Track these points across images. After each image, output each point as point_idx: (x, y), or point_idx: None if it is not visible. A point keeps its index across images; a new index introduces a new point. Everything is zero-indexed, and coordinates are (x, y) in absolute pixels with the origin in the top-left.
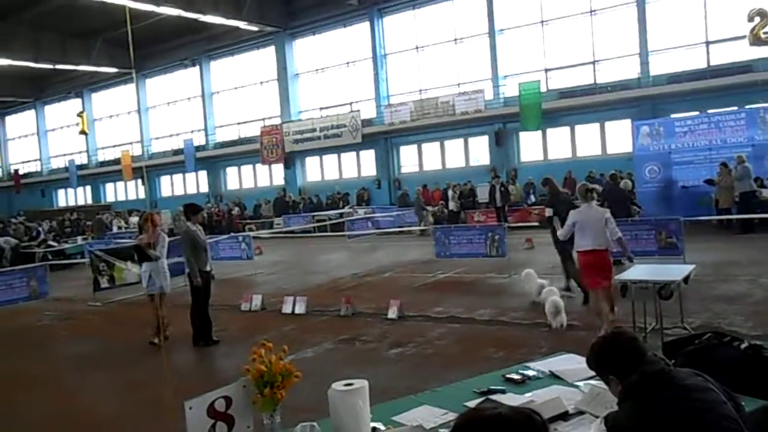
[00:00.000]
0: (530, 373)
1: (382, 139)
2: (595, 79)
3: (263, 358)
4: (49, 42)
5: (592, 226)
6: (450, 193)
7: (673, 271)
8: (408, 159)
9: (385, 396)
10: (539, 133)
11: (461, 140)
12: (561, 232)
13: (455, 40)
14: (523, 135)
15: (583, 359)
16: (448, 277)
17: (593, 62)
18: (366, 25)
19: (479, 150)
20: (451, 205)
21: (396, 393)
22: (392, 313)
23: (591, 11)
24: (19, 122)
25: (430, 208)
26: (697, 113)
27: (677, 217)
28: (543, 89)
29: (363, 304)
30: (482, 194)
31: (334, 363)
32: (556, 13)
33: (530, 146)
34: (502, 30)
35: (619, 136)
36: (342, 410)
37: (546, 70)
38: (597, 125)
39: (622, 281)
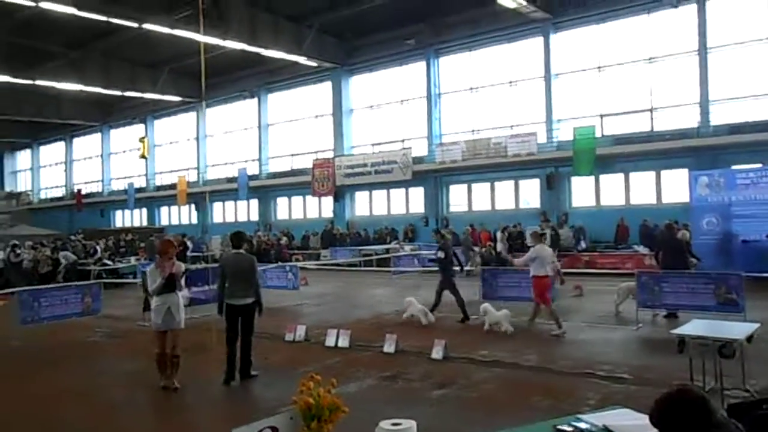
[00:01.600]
0: (583, 426)
1: (432, 177)
2: (652, 127)
3: (311, 390)
4: (118, 70)
5: (546, 260)
6: (499, 234)
7: (735, 329)
8: (457, 198)
9: None
10: (592, 178)
11: (512, 182)
12: (520, 261)
13: (510, 82)
14: (575, 180)
15: (639, 416)
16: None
17: (651, 109)
18: (422, 64)
19: (530, 193)
20: (499, 247)
21: None
22: (436, 353)
23: (650, 59)
24: (86, 144)
25: (477, 249)
26: (759, 165)
27: (738, 273)
28: (598, 134)
29: (406, 341)
30: None
31: (376, 400)
32: (613, 59)
33: (582, 191)
34: (557, 74)
35: (675, 186)
36: None
37: (601, 116)
38: (653, 173)
39: (679, 336)
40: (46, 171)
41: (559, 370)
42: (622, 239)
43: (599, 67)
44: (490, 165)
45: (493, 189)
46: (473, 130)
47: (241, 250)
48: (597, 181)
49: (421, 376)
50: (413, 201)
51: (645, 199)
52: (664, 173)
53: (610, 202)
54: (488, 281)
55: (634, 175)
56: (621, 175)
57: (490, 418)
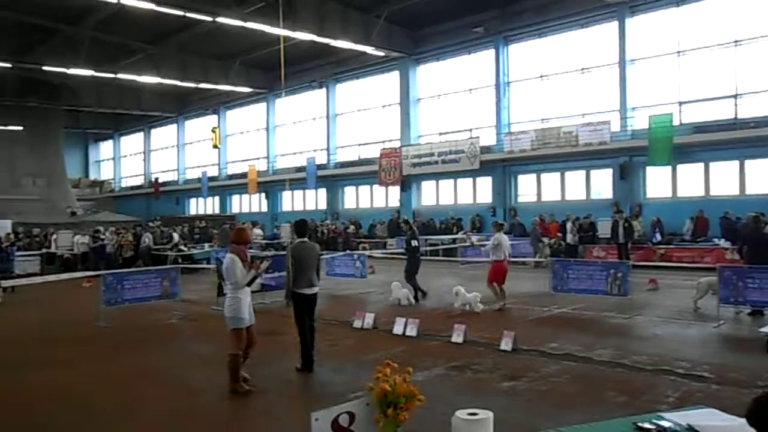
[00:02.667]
0: (665, 424)
1: (500, 166)
2: (736, 114)
3: (388, 377)
4: (193, 63)
5: (507, 246)
6: (569, 225)
7: None
8: (526, 188)
9: (499, 430)
10: (668, 168)
11: (583, 172)
12: (486, 248)
13: (582, 69)
14: (650, 170)
15: (728, 417)
16: (564, 312)
17: (735, 96)
18: (491, 52)
19: (602, 183)
20: (569, 238)
21: (510, 428)
22: (505, 345)
23: (735, 42)
24: (162, 135)
25: (546, 240)
26: None
27: None
28: (675, 122)
29: (475, 332)
30: (603, 229)
31: (444, 389)
32: (694, 43)
33: (658, 182)
34: (633, 60)
35: (760, 176)
36: None
37: (680, 103)
38: (735, 163)
39: None
40: (127, 160)
41: (633, 366)
42: (700, 232)
43: (678, 52)
44: (560, 154)
45: (563, 179)
46: (543, 119)
47: (305, 239)
48: (674, 171)
49: (489, 367)
50: (480, 191)
51: (727, 190)
52: (748, 163)
53: (688, 193)
54: (559, 273)
55: (714, 165)
56: (700, 165)
57: (561, 412)
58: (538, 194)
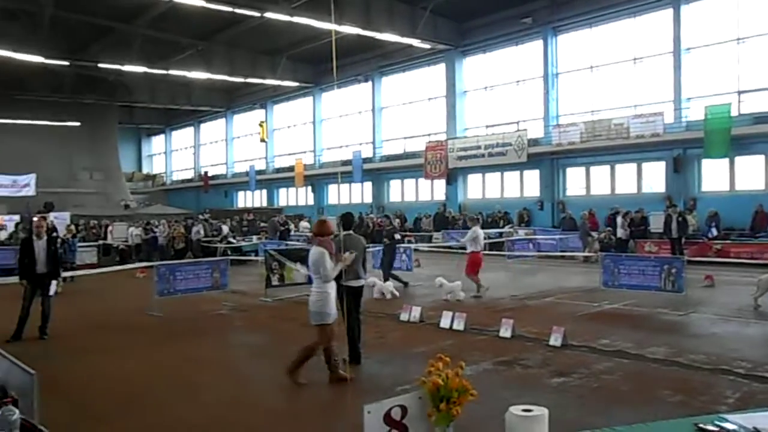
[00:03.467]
0: (730, 426)
1: (548, 159)
2: None
3: (440, 371)
4: (241, 58)
5: (481, 239)
6: (619, 219)
7: None
8: (574, 181)
9: (551, 427)
10: (725, 160)
11: (634, 165)
12: (464, 240)
13: (634, 59)
14: (705, 162)
15: None
16: (615, 308)
17: None
18: (539, 43)
19: (654, 176)
20: (620, 233)
21: (561, 425)
22: (554, 340)
23: None
24: (211, 129)
25: (596, 234)
26: None
27: None
28: (734, 113)
29: (523, 327)
30: (655, 223)
31: (493, 384)
32: (754, 30)
33: (714, 175)
34: (688, 49)
35: None
36: None
37: (739, 93)
38: None
39: None
40: (177, 154)
41: (690, 365)
42: (760, 227)
43: (738, 39)
44: (610, 147)
45: (613, 172)
46: (592, 111)
47: (351, 232)
48: (732, 163)
49: (538, 362)
50: (528, 184)
51: None
52: None
53: (747, 186)
54: (609, 268)
55: None
56: (760, 158)
57: (614, 410)
58: (587, 187)
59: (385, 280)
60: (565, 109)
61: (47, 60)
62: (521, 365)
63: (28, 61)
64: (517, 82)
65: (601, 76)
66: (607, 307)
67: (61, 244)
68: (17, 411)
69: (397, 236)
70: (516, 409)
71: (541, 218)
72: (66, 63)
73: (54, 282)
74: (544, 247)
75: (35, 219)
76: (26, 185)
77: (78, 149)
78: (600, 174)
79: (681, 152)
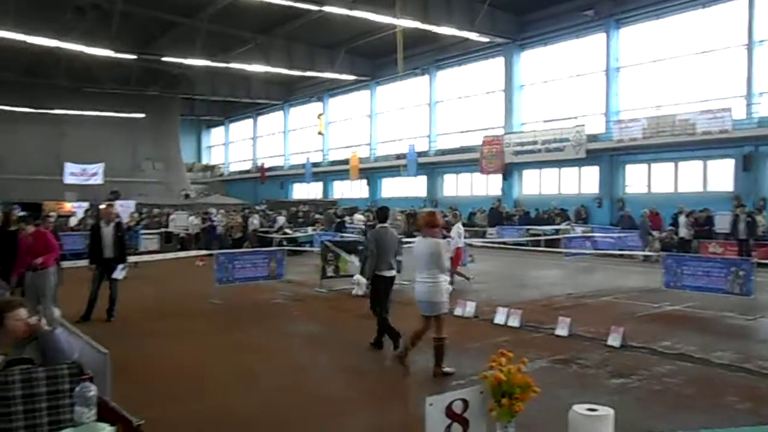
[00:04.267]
0: None
1: (608, 155)
2: None
3: (502, 367)
4: (300, 52)
5: (462, 234)
6: (682, 219)
7: None
8: (635, 179)
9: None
10: None
11: (699, 162)
12: (453, 233)
13: (702, 52)
14: None
15: None
16: (676, 309)
17: None
18: (601, 36)
19: (721, 174)
20: (683, 232)
21: (623, 427)
22: (613, 340)
23: None
24: (269, 122)
25: (656, 234)
26: None
27: None
28: None
29: (580, 326)
30: (721, 223)
31: (550, 383)
32: None
33: None
34: (762, 41)
35: None
36: None
37: None
38: None
39: None
40: (235, 146)
41: (759, 371)
42: None
43: None
44: (674, 143)
45: (676, 169)
46: (656, 106)
47: (387, 225)
48: None
49: (597, 362)
50: (586, 180)
51: None
52: None
53: None
54: (672, 269)
55: None
56: None
57: (678, 415)
58: (649, 185)
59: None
60: (627, 104)
61: (116, 54)
62: (579, 364)
63: (98, 55)
64: (577, 76)
65: (666, 69)
66: (668, 309)
67: (126, 231)
68: (94, 388)
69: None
70: (580, 408)
71: (600, 216)
72: (133, 57)
73: (120, 266)
74: (602, 246)
75: (103, 206)
76: (94, 174)
77: (142, 140)
78: (662, 171)
79: (752, 150)
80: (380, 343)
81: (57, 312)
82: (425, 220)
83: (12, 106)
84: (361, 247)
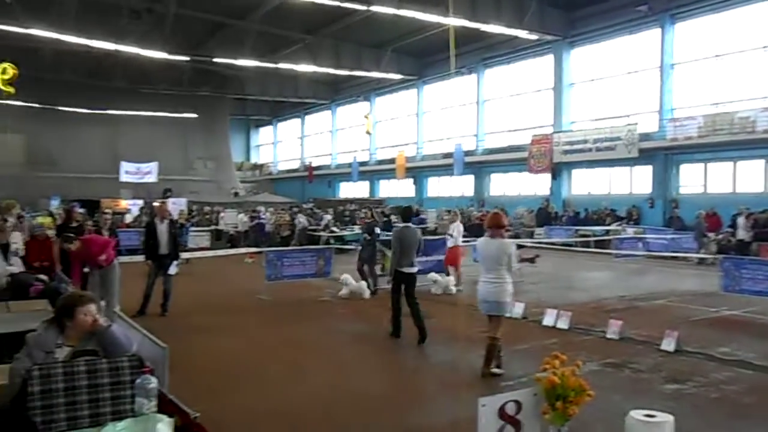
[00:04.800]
0: None
1: (662, 154)
2: None
3: (556, 369)
4: (347, 51)
5: (461, 232)
6: (741, 220)
7: None
8: (690, 179)
9: None
10: None
11: (761, 162)
12: (453, 231)
13: (763, 47)
14: None
15: None
16: (735, 314)
17: None
18: (655, 32)
19: None
20: (741, 234)
21: None
22: (667, 345)
23: None
24: (316, 121)
25: (712, 236)
26: None
27: None
28: None
29: (632, 329)
30: None
31: (602, 387)
32: None
33: None
34: None
35: None
36: None
37: None
38: None
39: None
40: (283, 145)
41: None
42: None
43: None
44: (733, 142)
45: (735, 169)
46: (713, 103)
47: (409, 224)
48: None
49: (650, 367)
50: (638, 181)
51: None
52: None
53: None
54: (730, 272)
55: None
56: None
57: (737, 424)
58: (705, 185)
59: (363, 279)
60: (682, 102)
61: (169, 56)
62: (631, 369)
63: (153, 57)
64: (629, 73)
65: (724, 65)
66: (726, 313)
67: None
68: (155, 380)
69: (377, 230)
70: (637, 414)
71: (652, 217)
72: (185, 58)
73: (174, 262)
74: (654, 247)
75: (156, 204)
76: (148, 172)
77: (194, 139)
78: (720, 171)
79: None
80: (424, 335)
81: (117, 307)
82: (492, 220)
83: (73, 107)
84: (355, 247)
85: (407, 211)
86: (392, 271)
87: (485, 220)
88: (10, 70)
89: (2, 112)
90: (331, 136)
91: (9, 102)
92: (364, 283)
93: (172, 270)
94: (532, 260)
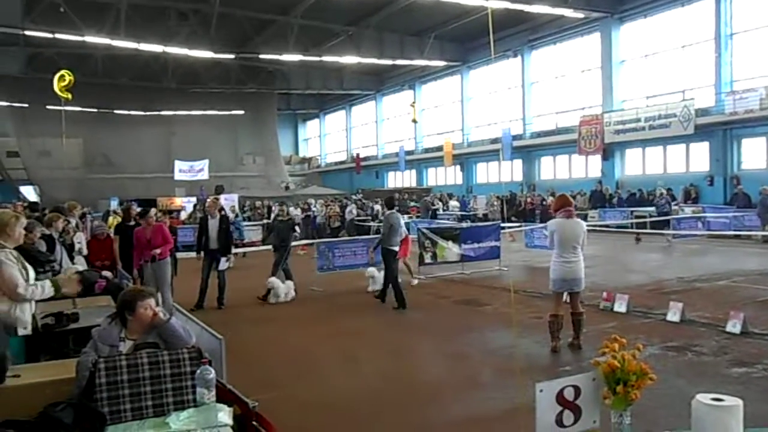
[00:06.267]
0: None
1: (720, 130)
2: None
3: (616, 353)
4: (390, 41)
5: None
6: None
7: None
8: (752, 153)
9: None
10: None
11: None
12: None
13: None
14: None
15: None
16: None
17: None
18: (708, 2)
19: None
20: None
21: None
22: (732, 326)
23: None
24: (362, 112)
25: None
26: None
27: None
28: None
29: (693, 311)
30: None
31: (664, 371)
32: None
33: None
34: None
35: None
36: (710, 427)
37: None
38: None
39: None
40: (330, 137)
41: None
42: None
43: None
44: None
45: None
46: None
47: (394, 210)
48: None
49: (714, 350)
50: (695, 158)
51: None
52: None
53: None
54: None
55: None
56: None
57: None
58: None
59: (273, 274)
60: (741, 74)
61: (216, 55)
62: (694, 352)
63: (200, 57)
64: (683, 46)
65: None
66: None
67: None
68: (213, 371)
69: (297, 231)
70: (704, 397)
71: (711, 195)
72: (232, 56)
73: (224, 258)
74: (715, 226)
75: (208, 201)
76: (201, 170)
77: (242, 136)
78: None
79: None
80: (404, 302)
81: (170, 300)
82: (564, 201)
83: (126, 110)
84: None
85: (391, 200)
86: (381, 249)
87: (553, 203)
88: (67, 77)
89: (60, 117)
90: (377, 126)
91: (67, 108)
92: (290, 283)
93: (223, 265)
94: None
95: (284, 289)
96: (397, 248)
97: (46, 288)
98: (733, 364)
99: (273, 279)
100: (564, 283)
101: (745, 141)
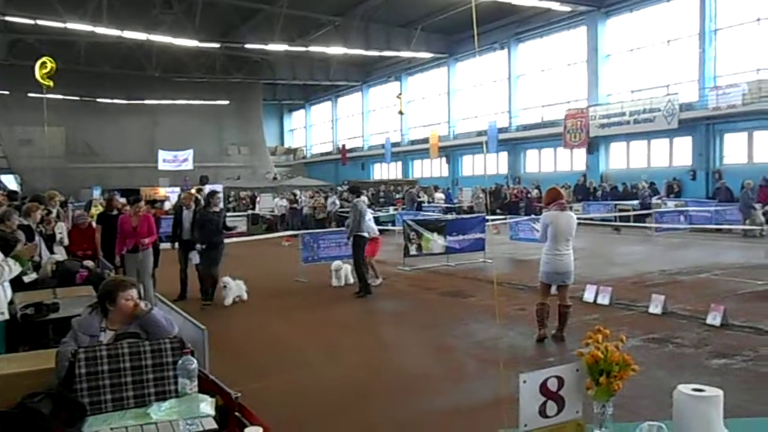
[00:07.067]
0: None
1: (703, 125)
2: None
3: (599, 344)
4: (376, 32)
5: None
6: None
7: None
8: (734, 148)
9: None
10: None
11: None
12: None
13: None
14: None
15: None
16: None
17: None
18: None
19: None
20: None
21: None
22: (713, 319)
23: None
24: (348, 103)
25: (759, 206)
26: None
27: None
28: None
29: (675, 304)
30: None
31: (645, 362)
32: None
33: None
34: None
35: None
36: (691, 417)
37: None
38: None
39: None
40: (316, 128)
41: None
42: None
43: None
44: None
45: None
46: (758, 69)
47: (361, 199)
48: None
49: (694, 342)
50: (678, 152)
51: None
52: None
53: None
54: None
55: None
56: None
57: None
58: (749, 155)
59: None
60: (725, 70)
61: (201, 44)
62: (674, 344)
63: (185, 46)
64: (668, 41)
65: (767, 30)
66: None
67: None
68: (195, 361)
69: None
70: (685, 388)
71: (694, 189)
72: (217, 45)
73: (193, 251)
74: (697, 220)
75: (183, 194)
76: (185, 160)
77: (228, 126)
78: (765, 139)
79: None
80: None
81: (152, 290)
82: (554, 194)
83: (110, 98)
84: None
85: (356, 188)
86: (352, 236)
87: (545, 196)
88: (49, 64)
89: (42, 105)
90: (363, 117)
91: (48, 96)
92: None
93: (195, 259)
94: None
95: (236, 290)
96: (366, 234)
97: (12, 266)
98: (714, 355)
99: (227, 278)
100: (556, 276)
101: (728, 136)
